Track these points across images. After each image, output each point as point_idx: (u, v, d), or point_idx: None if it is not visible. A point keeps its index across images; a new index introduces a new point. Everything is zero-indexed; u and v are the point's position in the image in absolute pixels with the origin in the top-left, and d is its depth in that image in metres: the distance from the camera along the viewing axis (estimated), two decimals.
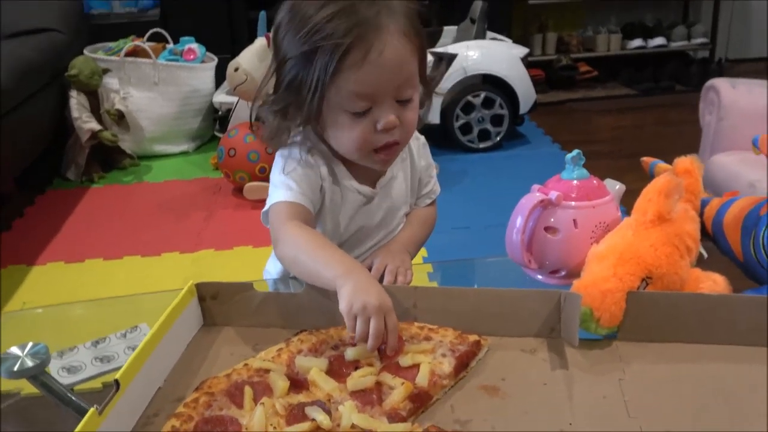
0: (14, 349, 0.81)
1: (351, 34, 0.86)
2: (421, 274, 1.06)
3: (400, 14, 0.90)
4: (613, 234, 0.89)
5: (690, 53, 4.81)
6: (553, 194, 0.93)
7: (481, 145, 3.45)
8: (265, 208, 0.98)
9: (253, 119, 1.02)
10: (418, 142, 1.10)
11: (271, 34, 0.97)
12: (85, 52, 3.42)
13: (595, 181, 0.97)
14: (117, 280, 2.35)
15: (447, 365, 0.76)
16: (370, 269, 0.96)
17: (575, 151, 0.96)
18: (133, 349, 0.88)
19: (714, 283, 0.86)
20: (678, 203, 0.88)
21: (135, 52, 3.46)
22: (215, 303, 0.88)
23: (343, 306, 0.76)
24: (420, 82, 0.97)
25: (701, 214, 1.02)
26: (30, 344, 0.84)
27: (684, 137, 3.30)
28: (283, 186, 0.97)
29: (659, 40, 4.63)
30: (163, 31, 3.64)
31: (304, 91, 0.90)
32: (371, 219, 1.05)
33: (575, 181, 0.95)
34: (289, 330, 0.84)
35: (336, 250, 0.87)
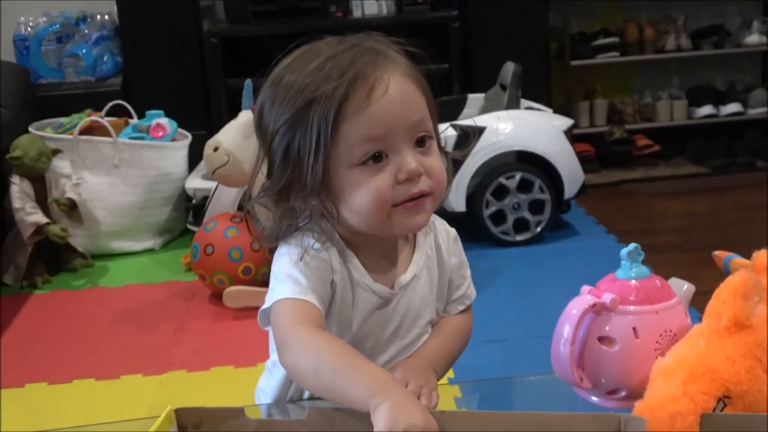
0: None
1: (348, 74, 0.95)
2: (446, 398, 1.08)
3: (399, 60, 1.00)
4: (681, 344, 0.92)
5: None
6: (608, 297, 0.97)
7: (518, 238, 3.51)
8: (266, 305, 1.01)
9: (244, 212, 1.07)
10: (448, 236, 1.15)
11: (254, 121, 1.04)
12: (31, 129, 3.55)
13: (657, 281, 1.01)
14: (65, 410, 2.36)
15: None
16: None
17: (632, 245, 1.00)
18: None
19: None
20: (758, 305, 0.92)
21: (91, 129, 3.58)
22: None
23: (380, 429, 0.80)
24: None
25: None
26: None
27: None
28: (288, 279, 0.99)
29: (734, 107, 4.75)
30: (126, 104, 3.77)
31: (303, 156, 0.97)
32: (384, 327, 1.08)
33: (633, 281, 0.99)
34: None
35: (365, 362, 0.91)
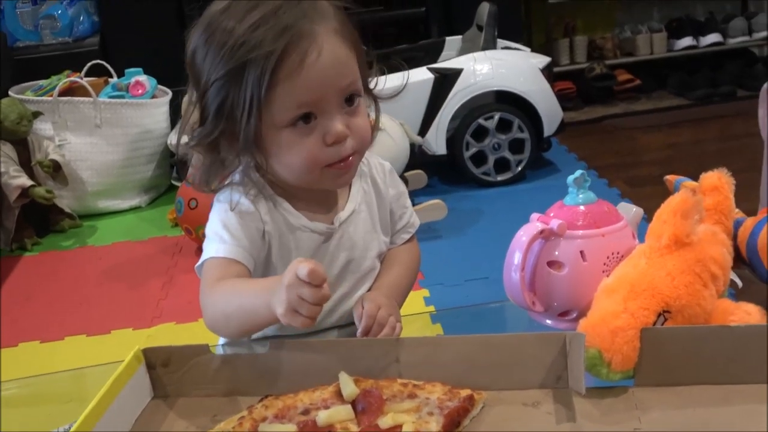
0: None
1: (282, 39, 0.96)
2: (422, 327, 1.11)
3: (329, 14, 1.01)
4: (624, 264, 0.96)
5: (754, 51, 4.92)
6: (555, 223, 1.01)
7: (500, 178, 3.54)
8: (198, 263, 1.07)
9: (176, 158, 1.10)
10: (383, 170, 1.19)
11: (186, 61, 1.05)
12: (10, 93, 3.55)
13: (605, 206, 1.04)
14: (58, 366, 2.40)
15: (434, 425, 0.82)
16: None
17: (578, 172, 1.04)
18: None
19: (746, 314, 0.93)
20: (699, 224, 0.96)
21: (71, 90, 3.59)
22: (167, 371, 0.95)
23: (279, 313, 0.88)
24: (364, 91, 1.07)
25: (734, 237, 1.09)
26: None
27: (751, 152, 3.37)
28: (215, 238, 1.05)
29: (714, 37, 4.75)
30: (105, 63, 3.78)
31: (237, 114, 0.99)
32: (333, 262, 1.12)
33: (581, 207, 1.03)
34: (253, 397, 0.91)
35: (255, 285, 0.99)
